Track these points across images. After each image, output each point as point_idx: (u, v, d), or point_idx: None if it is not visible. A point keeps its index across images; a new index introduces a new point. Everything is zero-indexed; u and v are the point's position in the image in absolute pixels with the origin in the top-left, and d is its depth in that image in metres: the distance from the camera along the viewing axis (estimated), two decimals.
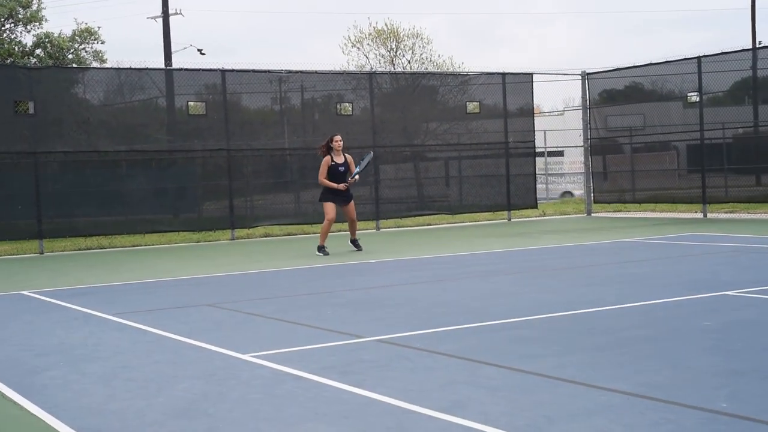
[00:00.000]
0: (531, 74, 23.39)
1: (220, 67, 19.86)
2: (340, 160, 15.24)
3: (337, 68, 24.39)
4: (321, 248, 15.15)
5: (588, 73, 24.03)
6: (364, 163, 15.73)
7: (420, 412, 5.08)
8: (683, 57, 21.71)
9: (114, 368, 6.62)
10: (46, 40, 23.22)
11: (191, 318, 8.92)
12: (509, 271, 12.05)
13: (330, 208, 15.23)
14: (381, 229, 21.06)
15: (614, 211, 24.22)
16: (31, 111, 17.87)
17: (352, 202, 15.61)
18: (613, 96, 24.50)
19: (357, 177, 15.51)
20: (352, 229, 15.82)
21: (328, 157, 15.18)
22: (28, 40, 23.71)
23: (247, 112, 21.23)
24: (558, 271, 11.79)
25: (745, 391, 5.29)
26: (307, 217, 20.91)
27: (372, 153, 16.86)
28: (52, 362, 6.94)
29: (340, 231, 20.80)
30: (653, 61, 22.61)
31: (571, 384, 5.57)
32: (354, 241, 15.74)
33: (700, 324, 7.46)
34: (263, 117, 21.61)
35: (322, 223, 20.93)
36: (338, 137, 15.31)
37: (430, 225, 22.09)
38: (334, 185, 15.13)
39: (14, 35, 23.45)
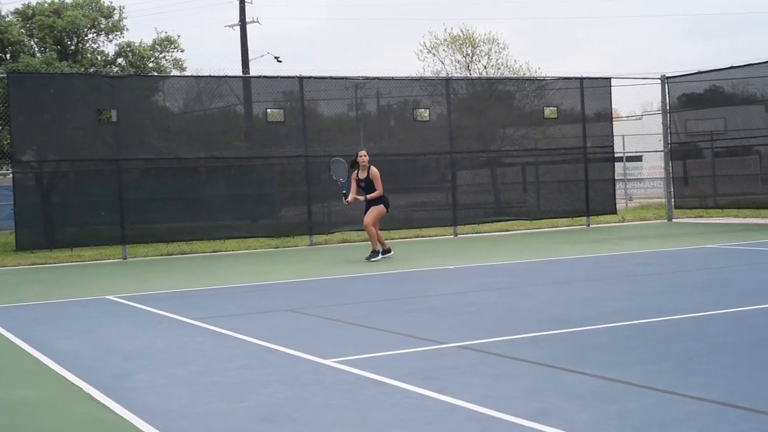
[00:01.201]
0: (609, 78, 23.13)
1: (298, 74, 20.01)
2: (363, 175, 15.39)
3: (412, 74, 24.38)
4: (374, 253, 15.34)
5: (668, 77, 23.68)
6: (338, 173, 15.98)
7: (503, 418, 5.05)
8: (766, 60, 21.27)
9: (198, 372, 6.70)
10: (128, 49, 23.63)
11: (273, 323, 8.99)
12: (590, 278, 11.92)
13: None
14: (458, 235, 21.00)
15: (695, 217, 23.80)
16: (114, 119, 18.21)
17: (372, 209, 15.48)
18: (694, 100, 24.11)
19: (348, 198, 15.69)
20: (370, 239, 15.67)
21: (354, 172, 15.54)
22: (110, 49, 24.17)
23: (324, 118, 21.34)
24: (639, 278, 11.64)
25: None
26: (384, 223, 20.89)
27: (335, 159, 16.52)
28: (138, 366, 7.05)
29: (416, 237, 20.81)
30: (735, 65, 22.19)
31: (658, 392, 5.48)
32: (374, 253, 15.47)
33: None
34: (340, 123, 21.70)
35: (398, 229, 21.18)
36: (362, 152, 15.50)
37: (508, 231, 21.96)
38: (344, 200, 15.72)
39: (97, 45, 23.91)
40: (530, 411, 5.16)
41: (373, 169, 15.34)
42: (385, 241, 15.85)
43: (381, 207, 15.46)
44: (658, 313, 8.40)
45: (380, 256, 15.24)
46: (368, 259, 15.17)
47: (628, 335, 7.46)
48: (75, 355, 7.68)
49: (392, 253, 15.70)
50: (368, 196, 15.32)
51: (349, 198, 15.58)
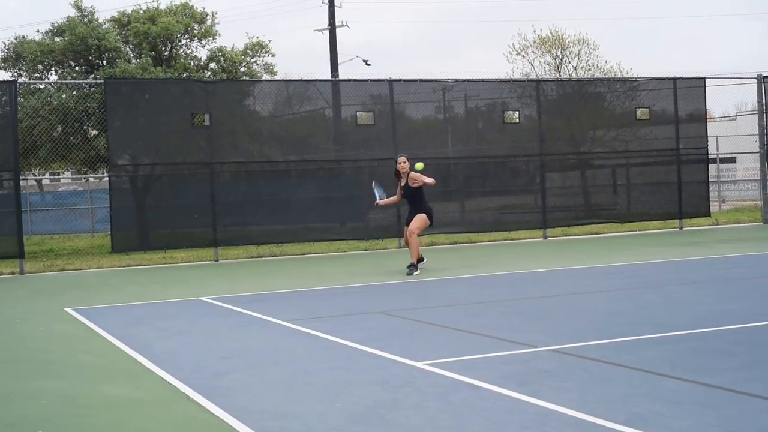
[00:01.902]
0: (703, 79, 22.69)
1: (387, 78, 20.07)
2: (402, 182, 14.48)
3: (500, 76, 24.24)
4: (412, 265, 14.02)
5: (764, 76, 23.13)
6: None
7: (600, 424, 4.99)
8: None
9: (292, 373, 6.76)
10: (220, 54, 23.95)
11: (365, 325, 9.03)
12: (684, 281, 11.71)
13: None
14: (548, 238, 20.82)
15: None
16: (207, 123, 18.48)
17: (416, 217, 14.30)
18: None
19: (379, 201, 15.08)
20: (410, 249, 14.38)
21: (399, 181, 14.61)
22: (202, 54, 24.54)
23: (412, 121, 21.36)
24: (736, 281, 11.39)
25: None
26: (473, 226, 20.89)
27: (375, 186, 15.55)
28: (233, 366, 7.15)
29: (505, 239, 20.69)
30: None
31: (760, 399, 5.36)
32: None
33: None
34: (428, 126, 21.70)
35: (490, 231, 20.94)
36: (401, 159, 14.51)
37: (598, 234, 21.69)
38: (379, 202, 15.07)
39: (190, 50, 24.30)
40: (628, 416, 5.09)
41: (412, 172, 14.36)
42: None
43: (425, 217, 14.35)
44: (756, 318, 8.21)
45: (419, 270, 14.07)
46: (410, 272, 13.80)
47: (725, 340, 7.31)
48: (171, 355, 7.82)
49: (426, 260, 14.68)
50: (426, 181, 14.23)
51: (381, 201, 15.02)
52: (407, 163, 14.40)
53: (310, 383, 6.40)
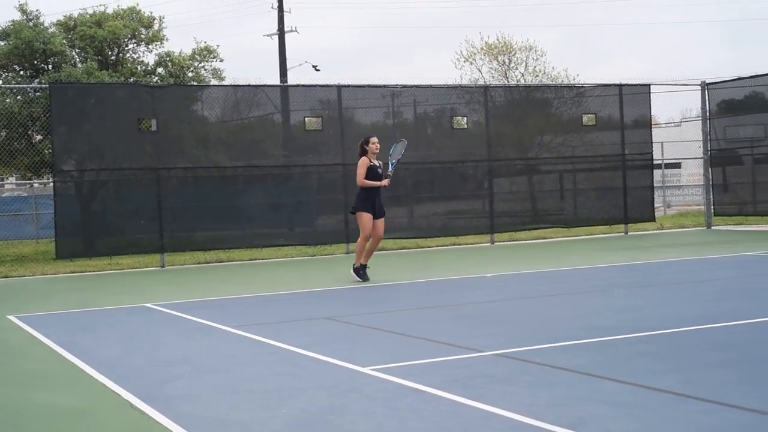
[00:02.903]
0: (648, 85, 22.98)
1: (336, 83, 20.07)
2: (376, 163, 13.58)
3: (449, 82, 24.34)
4: (362, 269, 13.36)
5: (708, 83, 23.49)
6: (398, 151, 14.01)
7: (543, 427, 5.02)
8: None
9: (237, 380, 6.73)
10: (167, 58, 23.79)
11: (310, 331, 9.01)
12: (629, 285, 11.84)
13: (368, 221, 13.26)
14: (495, 243, 20.94)
15: (735, 224, 23.57)
16: (154, 128, 18.35)
17: (383, 217, 13.67)
18: (733, 106, 23.89)
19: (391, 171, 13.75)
20: (371, 252, 13.60)
21: (365, 158, 13.43)
22: (150, 59, 24.37)
23: (361, 126, 21.37)
24: (679, 286, 11.54)
25: None
26: (421, 231, 20.95)
27: (404, 141, 14.46)
28: (177, 373, 7.09)
29: (453, 245, 20.77)
30: None
31: (700, 401, 5.44)
32: (362, 269, 13.44)
33: None
34: (377, 131, 21.68)
35: (439, 236, 20.95)
36: (375, 138, 13.60)
37: (545, 239, 21.86)
38: (376, 183, 13.34)
39: (137, 55, 24.11)
40: (569, 420, 5.13)
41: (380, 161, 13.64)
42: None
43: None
44: (698, 322, 8.32)
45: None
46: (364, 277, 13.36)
47: (668, 343, 7.39)
48: (114, 362, 7.74)
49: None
50: (389, 173, 13.56)
51: (389, 174, 13.68)
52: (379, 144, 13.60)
53: (255, 389, 6.37)
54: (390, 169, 13.69)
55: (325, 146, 20.33)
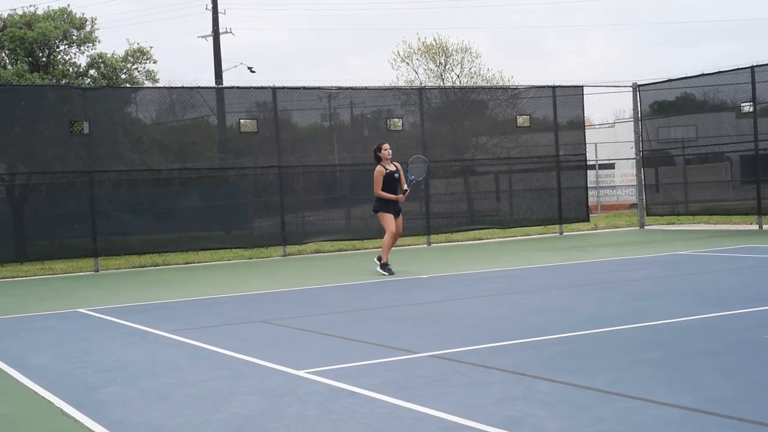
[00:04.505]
0: (581, 87, 23.27)
1: (271, 85, 20.01)
2: (391, 168, 14.42)
3: (387, 84, 24.44)
4: (386, 266, 14.13)
5: (639, 85, 23.85)
6: (419, 170, 14.93)
7: (476, 427, 5.06)
8: (736, 67, 21.48)
9: (171, 384, 6.68)
10: (100, 60, 23.52)
11: (246, 334, 8.97)
12: (563, 285, 11.97)
13: (390, 220, 14.22)
14: (432, 244, 21.04)
15: (667, 224, 23.96)
16: (86, 131, 18.12)
17: (401, 215, 14.67)
18: (665, 107, 24.30)
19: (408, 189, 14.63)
20: (389, 248, 14.40)
21: (380, 167, 14.26)
22: (82, 61, 24.13)
23: (298, 129, 21.35)
24: (613, 285, 11.70)
25: None
26: (358, 233, 20.98)
27: (425, 160, 15.51)
28: (109, 379, 7.02)
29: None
30: (705, 72, 22.38)
31: (629, 399, 5.52)
32: (386, 264, 14.26)
33: (759, 338, 7.35)
34: (313, 134, 21.73)
35: (376, 238, 20.97)
36: (386, 145, 14.48)
37: (481, 240, 22.02)
38: (392, 197, 14.24)
39: (68, 56, 23.79)
40: (503, 419, 5.18)
41: (396, 163, 14.59)
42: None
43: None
44: (631, 320, 8.44)
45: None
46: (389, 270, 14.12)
47: (601, 343, 7.49)
48: (46, 369, 7.64)
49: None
50: (405, 191, 14.43)
51: (405, 192, 14.54)
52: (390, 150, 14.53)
53: (190, 394, 6.33)
54: (408, 186, 14.56)
55: (260, 148, 20.27)
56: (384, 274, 14.00)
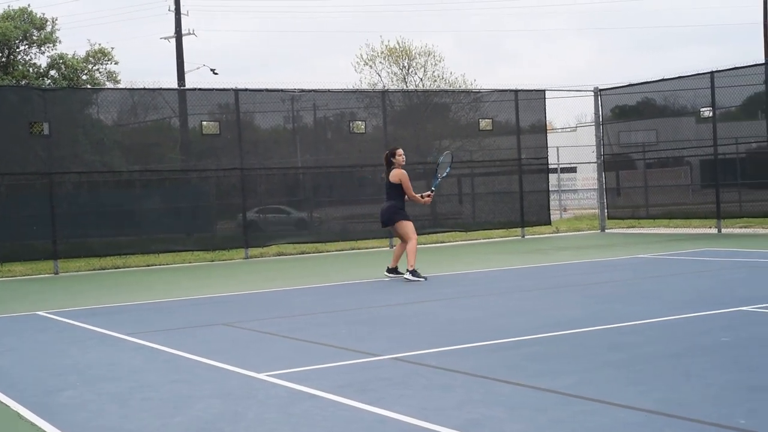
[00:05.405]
0: (543, 91, 23.40)
1: (233, 87, 19.93)
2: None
3: (350, 87, 24.44)
4: (416, 272, 13.36)
5: (601, 89, 24.01)
6: (446, 163, 14.50)
7: (436, 430, 5.06)
8: (696, 72, 21.69)
9: (130, 388, 6.62)
10: (60, 61, 23.34)
11: (207, 337, 8.92)
12: (525, 288, 12.01)
13: (412, 226, 13.78)
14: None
15: (628, 227, 24.14)
16: (46, 132, 17.95)
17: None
18: (626, 112, 24.49)
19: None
20: (399, 256, 13.95)
21: (403, 171, 13.75)
22: (42, 61, 23.89)
23: (260, 131, 21.29)
24: (574, 288, 11.75)
25: (763, 408, 5.25)
26: (321, 235, 20.94)
27: (449, 152, 15.11)
28: (68, 382, 6.95)
29: (352, 249, 20.83)
30: (666, 77, 22.57)
31: (590, 401, 5.54)
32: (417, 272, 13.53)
33: (718, 340, 7.42)
34: (276, 136, 21.67)
35: (335, 241, 20.96)
36: (401, 150, 13.91)
37: (443, 243, 22.06)
38: (420, 200, 14.04)
39: (29, 57, 23.59)
40: (463, 422, 5.18)
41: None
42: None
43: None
44: (594, 323, 8.49)
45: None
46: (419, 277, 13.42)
47: (561, 345, 7.52)
48: (3, 372, 7.54)
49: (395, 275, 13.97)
50: (432, 191, 14.21)
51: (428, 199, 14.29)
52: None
53: (149, 398, 6.27)
54: (435, 184, 14.30)
55: (223, 150, 20.19)
56: (420, 280, 13.20)
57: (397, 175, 13.75)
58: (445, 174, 14.63)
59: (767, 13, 36.56)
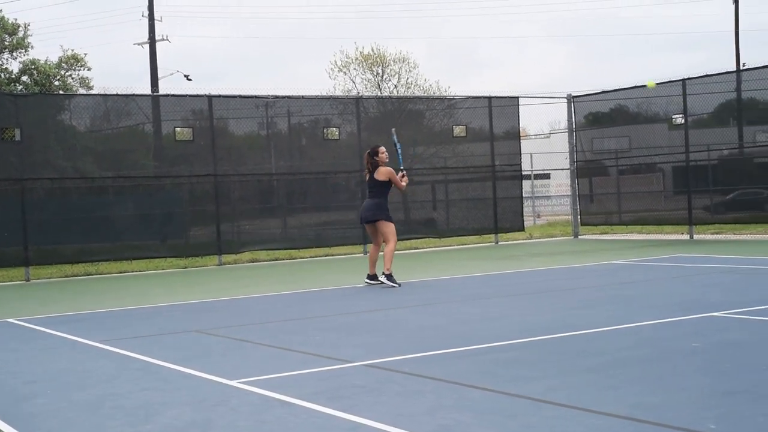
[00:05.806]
0: (517, 98, 23.49)
1: (207, 93, 19.88)
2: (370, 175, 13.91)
3: (324, 93, 24.43)
4: (392, 276, 13.31)
5: (574, 96, 24.14)
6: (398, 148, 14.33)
7: None
8: (668, 79, 21.84)
9: (102, 396, 6.58)
10: (33, 66, 23.22)
11: (179, 344, 8.88)
12: (498, 295, 12.05)
13: (394, 230, 13.77)
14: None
15: (601, 234, 24.27)
16: (18, 138, 17.84)
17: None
18: (599, 119, 24.62)
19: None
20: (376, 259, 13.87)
21: (389, 168, 13.79)
22: (14, 67, 23.73)
23: (234, 137, 21.25)
24: (547, 294, 11.80)
25: (734, 413, 5.29)
26: (295, 242, 20.91)
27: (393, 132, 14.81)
28: (39, 390, 6.90)
29: (326, 255, 20.80)
30: (639, 84, 22.71)
31: (561, 407, 5.56)
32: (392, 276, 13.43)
33: (689, 345, 7.46)
34: (250, 142, 21.63)
35: (308, 247, 20.91)
36: (383, 148, 13.91)
37: (417, 249, 22.08)
38: (403, 185, 13.96)
39: (0, 62, 23.44)
40: (434, 428, 5.19)
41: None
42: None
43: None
44: (566, 329, 8.52)
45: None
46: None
47: (535, 351, 7.55)
48: None
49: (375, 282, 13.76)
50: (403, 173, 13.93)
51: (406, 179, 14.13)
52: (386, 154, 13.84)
53: (120, 405, 6.24)
54: (401, 162, 14.14)
55: (196, 157, 20.14)
56: (395, 286, 13.13)
57: (385, 172, 13.77)
58: (399, 147, 14.40)
59: (739, 22, 36.87)
